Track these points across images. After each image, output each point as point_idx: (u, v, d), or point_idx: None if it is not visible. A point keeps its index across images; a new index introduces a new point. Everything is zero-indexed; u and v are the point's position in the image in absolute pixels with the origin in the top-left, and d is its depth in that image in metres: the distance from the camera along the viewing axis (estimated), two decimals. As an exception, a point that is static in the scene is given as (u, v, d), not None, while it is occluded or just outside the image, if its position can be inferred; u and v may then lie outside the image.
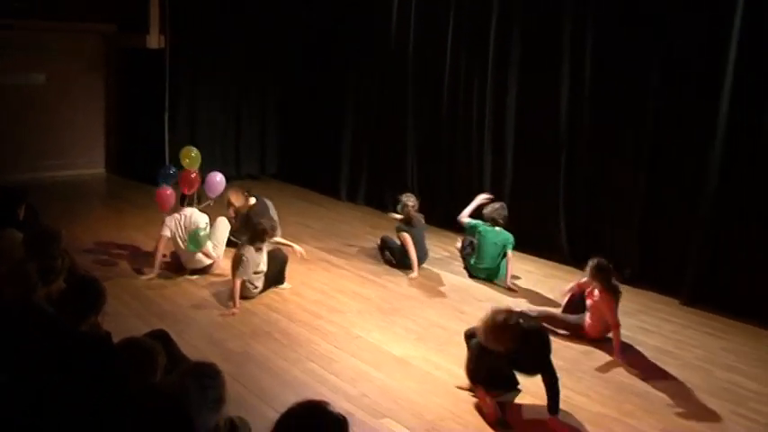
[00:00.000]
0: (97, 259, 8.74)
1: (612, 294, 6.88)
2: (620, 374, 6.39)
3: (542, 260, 9.42)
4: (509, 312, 5.42)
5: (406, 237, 8.84)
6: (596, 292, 6.91)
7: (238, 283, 7.54)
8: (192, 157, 9.03)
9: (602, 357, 6.70)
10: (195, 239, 8.17)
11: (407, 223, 8.96)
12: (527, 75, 9.78)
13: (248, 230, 8.08)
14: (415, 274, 8.76)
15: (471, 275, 8.79)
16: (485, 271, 8.67)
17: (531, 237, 9.28)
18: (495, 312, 5.38)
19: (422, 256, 8.98)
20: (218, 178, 9.19)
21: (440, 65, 10.91)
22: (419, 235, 8.99)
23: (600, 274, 6.89)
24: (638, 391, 6.08)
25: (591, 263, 6.97)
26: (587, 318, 7.02)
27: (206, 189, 9.08)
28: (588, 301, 7.01)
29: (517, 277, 8.67)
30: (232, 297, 7.55)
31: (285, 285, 8.20)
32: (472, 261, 8.79)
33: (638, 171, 8.63)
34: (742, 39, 7.57)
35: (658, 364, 6.67)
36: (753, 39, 7.53)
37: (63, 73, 13.05)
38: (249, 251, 7.68)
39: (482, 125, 10.37)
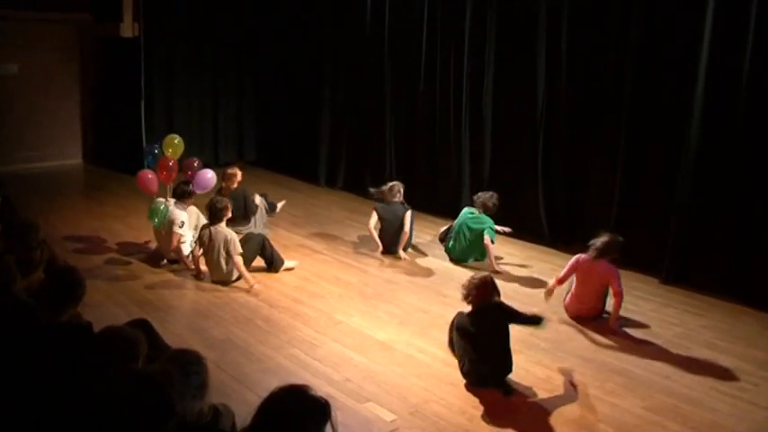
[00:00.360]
0: (76, 249, 8.69)
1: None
2: (602, 354, 6.43)
3: (523, 242, 9.44)
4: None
5: (370, 219, 8.95)
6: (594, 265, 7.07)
7: (239, 260, 7.63)
8: (174, 144, 8.98)
9: (584, 338, 6.74)
10: (156, 212, 8.21)
11: (379, 204, 9.08)
12: (504, 60, 9.82)
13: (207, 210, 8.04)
14: (377, 252, 8.87)
15: (452, 259, 8.81)
16: (462, 254, 8.73)
17: (511, 220, 9.30)
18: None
19: (390, 242, 8.95)
20: (209, 175, 9.06)
21: (416, 50, 10.92)
22: (391, 218, 8.95)
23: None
24: (620, 370, 6.13)
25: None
26: (570, 293, 7.18)
27: (195, 184, 8.86)
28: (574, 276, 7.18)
29: (500, 258, 8.70)
30: (243, 276, 7.65)
31: (289, 263, 8.28)
32: (450, 245, 8.82)
33: (617, 152, 8.65)
34: (716, 22, 7.59)
35: (639, 342, 6.72)
36: (727, 22, 7.56)
37: (36, 63, 12.92)
38: (227, 229, 7.80)
39: (460, 109, 10.38)
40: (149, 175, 8.75)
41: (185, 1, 12.96)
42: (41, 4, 12.31)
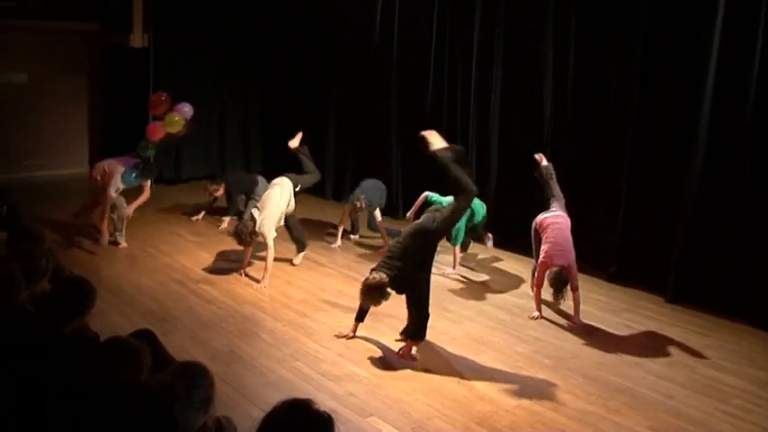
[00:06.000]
0: (81, 259, 8.69)
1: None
2: (607, 372, 6.40)
3: (528, 258, 9.41)
4: None
5: None
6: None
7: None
8: (175, 121, 9.44)
9: (589, 356, 6.72)
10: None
11: None
12: (511, 79, 9.82)
13: None
14: None
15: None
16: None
17: (516, 236, 9.30)
18: None
19: None
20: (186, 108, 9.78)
21: (424, 68, 10.96)
22: None
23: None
24: (624, 389, 6.10)
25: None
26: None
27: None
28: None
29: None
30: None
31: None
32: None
33: (621, 171, 8.65)
34: (723, 44, 7.59)
35: (643, 361, 6.70)
36: (735, 45, 7.55)
37: (45, 72, 13.01)
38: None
39: (467, 127, 10.40)
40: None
41: (195, 13, 13.03)
42: (51, 14, 12.39)
